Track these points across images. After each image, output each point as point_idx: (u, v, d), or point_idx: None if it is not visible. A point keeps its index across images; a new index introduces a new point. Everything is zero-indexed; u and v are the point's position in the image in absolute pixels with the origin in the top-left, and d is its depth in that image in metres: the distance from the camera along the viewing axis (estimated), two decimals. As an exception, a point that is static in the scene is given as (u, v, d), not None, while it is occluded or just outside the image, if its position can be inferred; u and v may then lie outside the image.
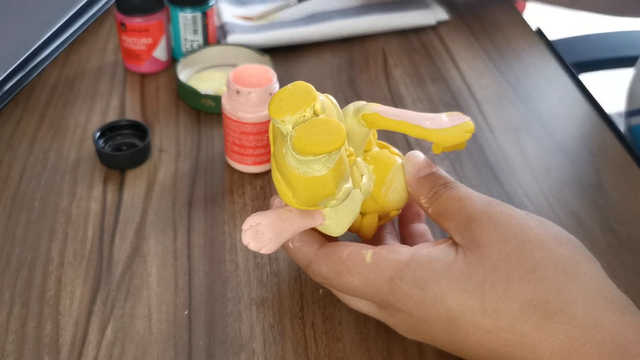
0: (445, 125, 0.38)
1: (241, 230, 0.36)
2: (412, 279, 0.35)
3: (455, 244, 0.36)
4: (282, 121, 0.33)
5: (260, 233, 0.35)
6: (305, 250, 0.39)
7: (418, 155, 0.40)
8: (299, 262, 0.40)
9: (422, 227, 0.44)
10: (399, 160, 0.40)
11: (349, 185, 0.35)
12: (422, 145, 0.56)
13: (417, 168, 0.40)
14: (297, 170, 0.33)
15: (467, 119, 0.39)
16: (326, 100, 0.36)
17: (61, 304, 0.42)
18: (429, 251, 0.36)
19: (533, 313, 0.32)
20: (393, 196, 0.40)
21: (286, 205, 0.36)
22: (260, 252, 0.36)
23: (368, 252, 0.37)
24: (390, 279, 0.36)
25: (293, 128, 0.33)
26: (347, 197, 0.36)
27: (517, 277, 0.33)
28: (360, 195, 0.38)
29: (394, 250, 0.37)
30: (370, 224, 0.40)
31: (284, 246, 0.40)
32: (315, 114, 0.33)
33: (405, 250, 0.36)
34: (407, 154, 0.41)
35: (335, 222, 0.37)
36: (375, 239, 0.42)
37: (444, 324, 0.34)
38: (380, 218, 0.41)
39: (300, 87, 0.34)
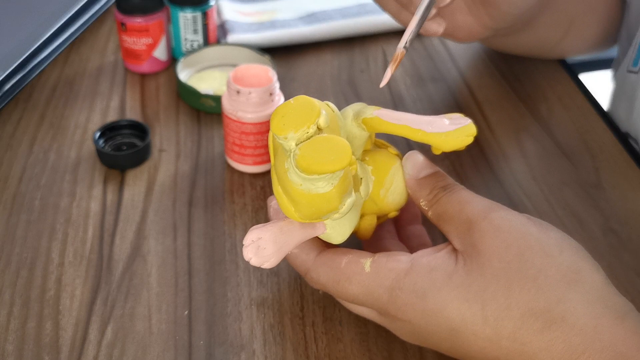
0: (447, 129, 0.37)
1: (242, 245, 0.36)
2: (412, 289, 0.35)
3: (455, 250, 0.36)
4: (285, 138, 0.32)
5: (262, 248, 0.35)
6: (303, 258, 0.38)
7: (417, 155, 0.40)
8: (296, 268, 0.39)
9: (419, 229, 0.44)
10: (398, 161, 0.40)
11: (352, 198, 0.35)
12: (422, 144, 0.56)
13: (417, 169, 0.39)
14: (300, 187, 0.33)
15: (469, 121, 0.38)
16: (327, 110, 0.35)
17: (61, 304, 0.42)
18: (429, 260, 0.36)
19: (534, 322, 0.32)
20: (392, 197, 0.39)
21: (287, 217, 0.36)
22: (262, 267, 0.35)
23: (367, 261, 0.36)
24: (390, 288, 0.35)
25: (297, 145, 0.32)
26: (350, 210, 0.35)
27: (518, 285, 0.33)
28: (361, 199, 0.38)
29: (394, 259, 0.36)
30: (368, 225, 0.40)
31: None
32: (319, 129, 0.33)
33: (404, 259, 0.36)
34: (406, 155, 0.40)
35: (337, 231, 0.37)
36: (373, 237, 0.42)
37: (445, 332, 0.34)
38: (378, 218, 0.41)
39: (303, 102, 0.33)
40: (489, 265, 0.34)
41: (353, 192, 0.35)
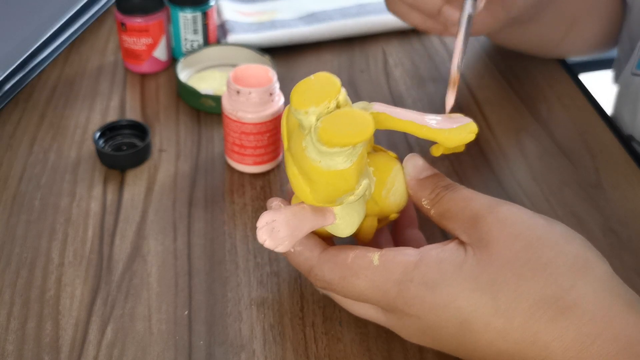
0: (450, 126, 0.38)
1: (256, 227, 0.35)
2: (422, 281, 0.34)
3: (462, 243, 0.36)
4: (306, 112, 0.32)
5: (276, 230, 0.34)
6: (307, 255, 0.38)
7: (417, 158, 0.40)
8: (299, 267, 0.39)
9: (416, 233, 0.44)
10: (398, 163, 0.40)
11: (367, 180, 0.35)
12: (422, 145, 0.56)
13: (417, 170, 0.39)
14: (318, 163, 0.32)
15: (469, 120, 0.38)
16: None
17: (61, 304, 0.42)
18: (438, 252, 0.35)
19: (545, 310, 0.32)
20: (394, 198, 0.39)
21: (298, 203, 0.36)
22: (276, 250, 0.35)
23: (375, 255, 0.36)
24: (399, 281, 0.35)
25: (317, 120, 0.32)
26: (364, 194, 0.35)
27: (528, 274, 0.33)
28: (366, 195, 0.38)
29: (402, 253, 0.36)
30: (369, 227, 0.40)
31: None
32: (338, 106, 0.33)
33: (412, 252, 0.36)
34: (407, 157, 0.40)
35: (346, 222, 0.37)
36: (371, 245, 0.42)
37: (455, 326, 0.34)
38: (379, 221, 0.41)
39: (325, 78, 0.33)
40: (498, 255, 0.34)
41: (366, 176, 0.35)
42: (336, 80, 0.33)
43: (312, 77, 0.33)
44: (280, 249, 0.35)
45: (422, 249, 0.36)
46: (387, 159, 0.40)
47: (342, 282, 0.37)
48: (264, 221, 0.35)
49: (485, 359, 0.34)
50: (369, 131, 0.31)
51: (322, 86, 0.33)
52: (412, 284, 0.35)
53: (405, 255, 0.36)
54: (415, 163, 0.40)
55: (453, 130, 0.38)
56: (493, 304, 0.33)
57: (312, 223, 0.36)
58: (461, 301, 0.34)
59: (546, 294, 0.32)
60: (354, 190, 0.34)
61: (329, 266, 0.37)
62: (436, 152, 0.40)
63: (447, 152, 0.39)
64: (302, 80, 0.33)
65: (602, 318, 0.32)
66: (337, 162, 0.32)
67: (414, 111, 0.39)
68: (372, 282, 0.36)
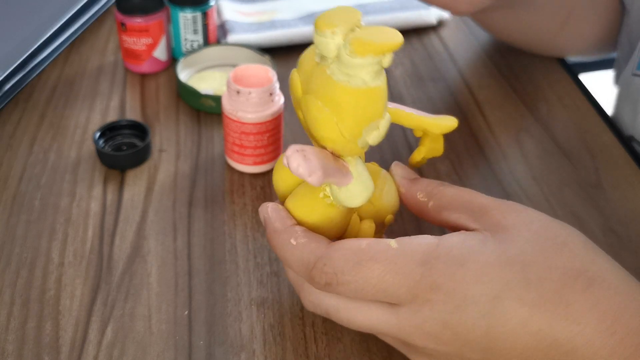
0: (434, 116, 0.40)
1: (285, 156, 0.33)
2: (449, 257, 0.33)
3: (473, 229, 0.35)
4: (333, 32, 0.33)
5: (308, 158, 0.33)
6: (313, 246, 0.35)
7: (402, 165, 0.41)
8: (301, 262, 0.35)
9: None
10: (383, 169, 0.41)
11: (389, 116, 0.35)
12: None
13: (407, 172, 0.40)
14: (348, 84, 0.33)
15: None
16: None
17: (61, 304, 0.42)
18: (454, 234, 0.34)
19: (574, 281, 0.32)
20: (388, 198, 0.40)
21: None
22: (309, 179, 0.32)
23: (391, 240, 0.34)
24: (423, 261, 0.33)
25: (344, 40, 0.33)
26: (386, 130, 0.35)
27: (551, 249, 0.33)
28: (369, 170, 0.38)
29: (419, 237, 0.35)
30: (367, 230, 0.40)
31: (279, 248, 0.36)
32: None
33: (429, 236, 0.35)
34: (393, 163, 0.41)
35: (361, 183, 0.35)
36: None
37: (486, 304, 0.32)
38: (377, 231, 0.40)
39: (345, 7, 0.34)
40: (518, 235, 0.34)
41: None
42: (356, 9, 0.34)
43: (331, 8, 0.34)
44: (313, 178, 0.32)
45: (435, 236, 0.35)
46: (372, 166, 0.41)
47: (357, 267, 0.34)
48: (294, 149, 0.33)
49: (513, 347, 0.33)
50: (399, 40, 0.32)
51: (345, 12, 0.34)
52: (439, 262, 0.33)
53: (423, 238, 0.34)
54: (403, 167, 0.41)
55: (437, 118, 0.40)
56: (524, 276, 0.32)
57: (335, 168, 0.34)
58: (492, 275, 0.32)
59: (573, 266, 0.33)
60: (382, 116, 0.34)
61: (341, 254, 0.34)
62: (417, 156, 0.41)
63: (428, 157, 0.41)
64: (324, 12, 0.34)
65: (625, 291, 0.32)
66: (367, 79, 0.33)
67: (402, 105, 0.41)
68: (392, 264, 0.33)
